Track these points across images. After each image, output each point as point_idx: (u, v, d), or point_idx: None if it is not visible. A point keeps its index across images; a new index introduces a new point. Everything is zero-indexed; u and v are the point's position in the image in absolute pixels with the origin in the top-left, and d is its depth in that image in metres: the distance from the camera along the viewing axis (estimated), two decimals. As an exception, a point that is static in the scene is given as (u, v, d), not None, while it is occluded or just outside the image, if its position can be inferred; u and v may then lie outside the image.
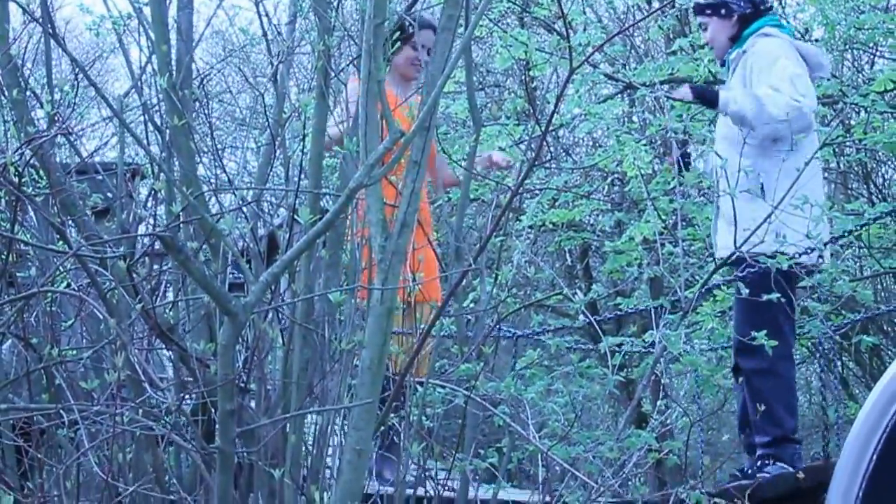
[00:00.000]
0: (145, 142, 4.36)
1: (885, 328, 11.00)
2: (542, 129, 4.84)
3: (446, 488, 4.70)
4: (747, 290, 5.11)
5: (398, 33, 5.68)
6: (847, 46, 9.32)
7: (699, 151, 6.15)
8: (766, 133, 5.52)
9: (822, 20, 8.37)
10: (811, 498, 5.01)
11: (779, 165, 5.47)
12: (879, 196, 10.82)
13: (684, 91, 5.78)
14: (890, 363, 9.43)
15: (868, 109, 8.22)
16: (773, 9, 6.08)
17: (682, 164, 5.90)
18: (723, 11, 5.91)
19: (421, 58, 6.11)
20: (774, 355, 5.34)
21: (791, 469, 5.47)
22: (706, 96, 5.64)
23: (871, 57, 10.34)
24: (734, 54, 5.86)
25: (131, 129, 4.13)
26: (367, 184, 3.80)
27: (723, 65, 6.07)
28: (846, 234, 5.55)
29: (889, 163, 11.52)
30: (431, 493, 4.63)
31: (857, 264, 9.32)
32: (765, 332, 5.07)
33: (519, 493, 5.77)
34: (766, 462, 5.56)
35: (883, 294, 10.91)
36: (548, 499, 4.67)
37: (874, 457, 4.32)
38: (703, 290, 5.41)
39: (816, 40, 9.02)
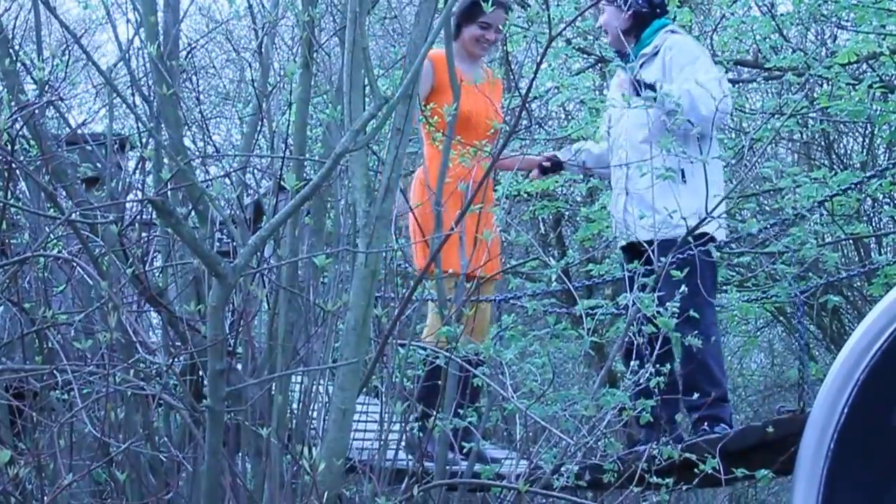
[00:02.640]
0: (135, 110, 4.30)
1: (844, 292, 11.01)
2: (522, 97, 4.78)
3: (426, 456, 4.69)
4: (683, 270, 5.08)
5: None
6: (812, 20, 9.29)
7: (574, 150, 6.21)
8: (694, 132, 5.46)
9: (788, -6, 8.35)
10: (778, 450, 5.00)
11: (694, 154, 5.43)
12: (841, 165, 10.82)
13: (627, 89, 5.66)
14: (849, 325, 9.48)
15: (832, 81, 8.19)
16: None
17: (552, 168, 6.13)
18: (618, 1, 5.85)
19: (488, 37, 5.97)
20: (706, 321, 5.41)
21: (730, 428, 5.48)
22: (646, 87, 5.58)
23: (835, 30, 10.32)
24: (648, 49, 5.78)
25: (122, 94, 4.07)
26: (353, 149, 3.75)
27: (621, 56, 5.92)
28: (817, 204, 5.52)
29: (850, 133, 11.51)
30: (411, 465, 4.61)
31: (822, 231, 9.31)
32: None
33: (497, 452, 5.76)
34: (705, 426, 5.52)
35: (844, 259, 10.91)
36: (524, 458, 4.65)
37: (845, 410, 4.32)
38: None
39: (782, 15, 8.98)
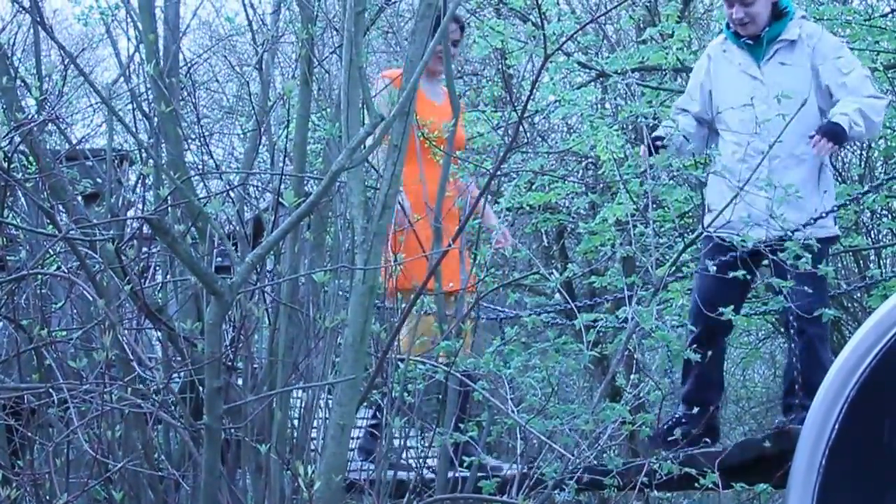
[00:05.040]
0: (134, 128, 4.26)
1: (845, 304, 10.93)
2: (518, 114, 4.74)
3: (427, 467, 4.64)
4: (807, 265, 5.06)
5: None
6: (808, 36, 9.23)
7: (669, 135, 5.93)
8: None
9: (784, 10, 8.29)
10: (776, 464, 4.95)
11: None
12: (839, 178, 10.76)
13: (830, 146, 5.53)
14: (849, 336, 9.43)
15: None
16: None
17: (652, 148, 5.72)
18: None
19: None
20: (827, 323, 5.55)
21: None
22: (839, 134, 5.49)
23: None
24: (787, 35, 5.68)
25: (119, 115, 4.02)
26: (349, 167, 3.70)
27: (754, 39, 5.72)
28: (813, 220, 5.49)
29: (848, 146, 11.44)
30: (412, 475, 4.56)
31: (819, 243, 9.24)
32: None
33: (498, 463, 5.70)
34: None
35: (843, 272, 10.84)
36: (525, 471, 4.59)
37: (836, 426, 4.29)
38: (673, 269, 5.34)
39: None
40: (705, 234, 5.34)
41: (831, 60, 5.62)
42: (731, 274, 5.06)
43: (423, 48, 3.84)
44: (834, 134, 5.47)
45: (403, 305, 4.71)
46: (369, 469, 4.58)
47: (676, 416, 5.59)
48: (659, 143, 5.68)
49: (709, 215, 5.43)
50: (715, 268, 5.12)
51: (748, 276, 5.11)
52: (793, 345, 5.52)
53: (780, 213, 5.15)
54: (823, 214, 5.46)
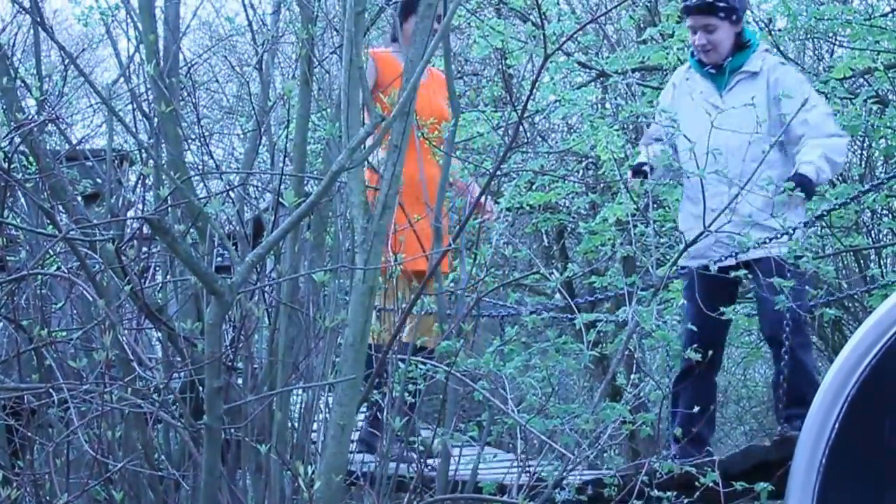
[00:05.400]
0: (134, 128, 4.27)
1: (846, 304, 10.93)
2: (518, 114, 4.74)
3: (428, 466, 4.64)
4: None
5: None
6: (808, 36, 9.25)
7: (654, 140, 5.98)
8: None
9: (784, 10, 8.30)
10: (778, 471, 4.94)
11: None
12: (840, 178, 10.76)
13: (801, 200, 5.54)
14: (850, 336, 9.43)
15: (828, 95, 8.14)
16: None
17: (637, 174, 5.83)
18: (734, 17, 5.72)
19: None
20: (808, 331, 5.57)
21: None
22: (807, 186, 5.50)
23: (831, 46, 10.27)
24: (750, 67, 5.71)
25: (119, 115, 4.03)
26: (349, 167, 3.70)
27: (717, 69, 5.75)
28: (816, 219, 5.51)
29: (848, 146, 11.43)
30: (413, 471, 4.56)
31: (820, 243, 9.25)
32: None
33: (498, 463, 5.71)
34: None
35: (844, 271, 10.83)
36: (526, 471, 4.60)
37: (836, 425, 4.29)
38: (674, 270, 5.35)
39: (779, 30, 8.94)
40: (681, 269, 5.42)
41: (794, 93, 5.59)
42: (730, 274, 5.10)
43: (423, 48, 3.84)
44: (802, 187, 5.49)
45: (403, 305, 4.71)
46: (369, 462, 4.58)
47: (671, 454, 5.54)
48: (641, 173, 5.75)
49: (710, 215, 5.43)
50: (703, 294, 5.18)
51: (739, 278, 5.19)
52: (778, 357, 5.53)
53: (775, 220, 5.23)
54: (774, 238, 5.35)
